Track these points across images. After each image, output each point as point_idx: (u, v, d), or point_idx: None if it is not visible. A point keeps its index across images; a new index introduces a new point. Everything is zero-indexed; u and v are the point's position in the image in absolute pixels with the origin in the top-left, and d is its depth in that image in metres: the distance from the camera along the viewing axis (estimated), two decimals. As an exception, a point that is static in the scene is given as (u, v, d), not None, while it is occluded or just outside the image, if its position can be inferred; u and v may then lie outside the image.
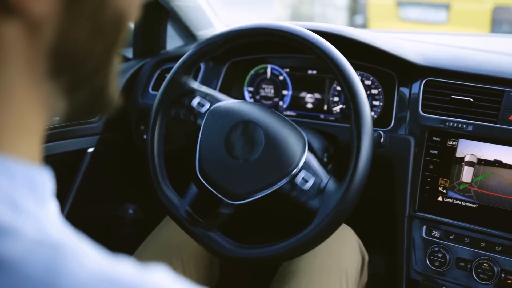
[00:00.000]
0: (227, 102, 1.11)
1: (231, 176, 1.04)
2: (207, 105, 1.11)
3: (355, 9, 7.88)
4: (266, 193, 1.01)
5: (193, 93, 1.13)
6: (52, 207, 0.35)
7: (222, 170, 1.05)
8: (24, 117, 0.34)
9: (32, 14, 0.31)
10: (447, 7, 5.70)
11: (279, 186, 1.01)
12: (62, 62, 0.35)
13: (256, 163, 1.02)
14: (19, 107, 0.33)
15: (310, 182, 0.99)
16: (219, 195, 1.05)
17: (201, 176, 1.07)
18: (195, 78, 1.47)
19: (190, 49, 1.13)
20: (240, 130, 1.05)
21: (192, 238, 1.09)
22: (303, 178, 1.00)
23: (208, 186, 1.06)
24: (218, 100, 1.12)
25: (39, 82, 0.34)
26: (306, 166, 1.01)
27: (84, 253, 0.30)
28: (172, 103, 1.14)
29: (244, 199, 1.03)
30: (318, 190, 0.99)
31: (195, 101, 1.12)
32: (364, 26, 6.31)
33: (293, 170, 1.00)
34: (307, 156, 1.02)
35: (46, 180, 0.35)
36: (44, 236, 0.30)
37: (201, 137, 1.08)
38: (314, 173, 1.00)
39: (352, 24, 7.53)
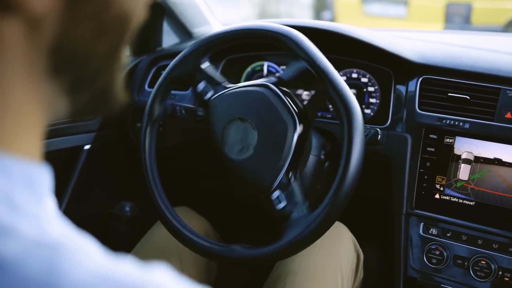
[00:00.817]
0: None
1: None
2: (211, 92, 0.99)
3: (320, 7, 7.75)
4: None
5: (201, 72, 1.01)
6: (50, 204, 0.31)
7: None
8: (23, 115, 0.30)
9: (32, 11, 0.28)
10: (405, 2, 5.72)
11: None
12: (63, 60, 0.32)
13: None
14: (18, 105, 0.30)
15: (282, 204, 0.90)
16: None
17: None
18: None
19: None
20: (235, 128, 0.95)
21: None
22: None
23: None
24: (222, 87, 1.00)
25: (39, 80, 0.31)
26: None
27: (83, 253, 0.27)
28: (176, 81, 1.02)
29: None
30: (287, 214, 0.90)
31: (200, 86, 1.00)
32: (331, 21, 6.24)
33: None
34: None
35: (44, 177, 0.31)
36: (42, 235, 0.27)
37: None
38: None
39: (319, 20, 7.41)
